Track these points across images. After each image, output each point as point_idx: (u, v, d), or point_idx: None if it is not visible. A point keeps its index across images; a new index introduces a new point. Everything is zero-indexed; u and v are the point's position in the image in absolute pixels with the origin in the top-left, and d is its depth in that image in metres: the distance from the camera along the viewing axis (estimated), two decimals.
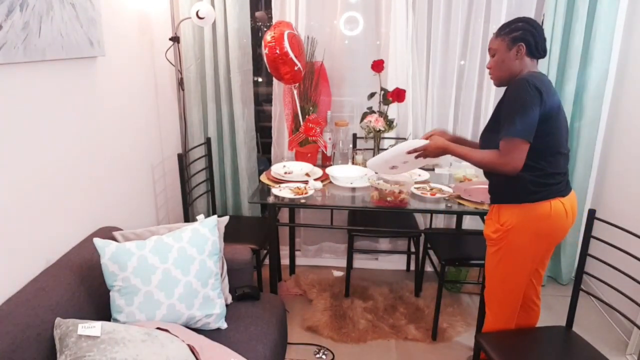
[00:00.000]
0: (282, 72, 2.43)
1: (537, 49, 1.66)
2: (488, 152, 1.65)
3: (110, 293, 1.58)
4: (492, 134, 1.71)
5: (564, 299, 2.77)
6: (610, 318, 2.58)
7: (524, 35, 1.64)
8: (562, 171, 1.68)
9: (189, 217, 2.53)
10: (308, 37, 2.71)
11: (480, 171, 2.03)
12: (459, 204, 2.15)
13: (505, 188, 1.70)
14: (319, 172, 2.51)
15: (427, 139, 1.89)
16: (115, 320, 1.57)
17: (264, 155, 3.25)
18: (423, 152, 1.85)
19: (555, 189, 1.66)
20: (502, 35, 1.69)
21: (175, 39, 2.58)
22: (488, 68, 1.77)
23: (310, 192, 2.24)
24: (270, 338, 1.71)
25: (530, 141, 1.57)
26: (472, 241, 2.52)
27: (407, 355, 2.29)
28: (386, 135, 2.74)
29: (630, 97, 2.51)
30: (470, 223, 2.96)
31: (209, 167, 2.80)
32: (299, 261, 3.16)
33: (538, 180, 1.63)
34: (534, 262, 1.77)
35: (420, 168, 2.53)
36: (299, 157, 2.75)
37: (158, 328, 1.47)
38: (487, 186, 1.87)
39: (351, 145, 2.86)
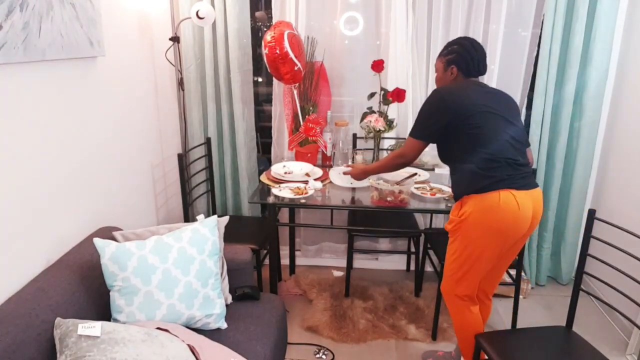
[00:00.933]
0: (282, 72, 2.43)
1: (469, 70, 1.86)
2: (390, 153, 2.01)
3: (110, 293, 1.58)
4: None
5: (564, 299, 2.77)
6: (610, 318, 2.58)
7: (455, 59, 1.87)
8: (504, 157, 1.71)
9: (189, 217, 2.53)
10: (308, 37, 2.71)
11: None
12: None
13: (459, 182, 1.81)
14: (319, 172, 2.51)
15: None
16: (115, 320, 1.57)
17: (264, 155, 3.25)
18: (350, 173, 2.21)
19: (502, 179, 1.69)
20: (440, 56, 1.94)
21: (175, 39, 2.58)
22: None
23: (310, 192, 2.24)
24: (270, 338, 1.72)
25: (424, 141, 1.84)
26: None
27: (407, 355, 2.29)
28: (386, 135, 2.74)
29: (630, 97, 2.51)
30: None
31: (209, 167, 2.80)
32: (299, 261, 3.16)
33: (481, 167, 1.71)
34: (489, 254, 1.78)
35: (421, 168, 2.57)
36: (299, 157, 2.75)
37: (158, 328, 1.47)
38: None
39: (351, 145, 2.86)
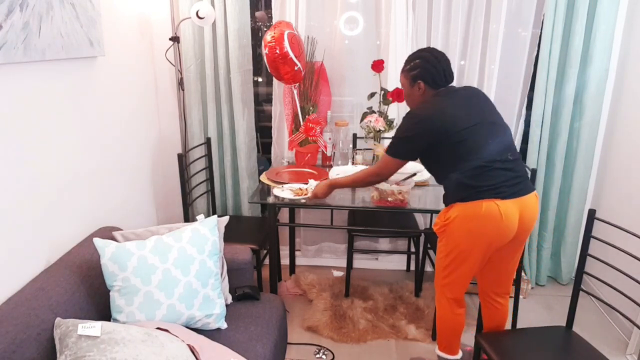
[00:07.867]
0: (282, 72, 2.43)
1: (436, 82, 1.83)
2: (363, 170, 1.96)
3: (110, 293, 1.58)
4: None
5: (564, 299, 2.77)
6: (610, 318, 2.58)
7: (420, 74, 1.83)
8: (493, 161, 1.70)
9: (189, 217, 2.53)
10: (308, 37, 2.71)
11: None
12: None
13: (446, 190, 1.83)
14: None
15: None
16: (115, 320, 1.57)
17: (264, 155, 3.25)
18: (315, 196, 2.12)
19: (488, 189, 1.69)
20: (404, 72, 1.89)
21: (175, 39, 2.58)
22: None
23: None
24: (270, 338, 1.72)
25: (400, 160, 1.83)
26: None
27: (407, 355, 2.29)
28: (386, 135, 2.74)
29: (630, 97, 2.51)
30: None
31: (209, 167, 2.80)
32: (299, 261, 3.16)
33: (468, 176, 1.72)
34: (473, 259, 1.79)
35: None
36: (298, 157, 2.75)
37: (158, 328, 1.47)
38: None
39: (351, 145, 2.86)
